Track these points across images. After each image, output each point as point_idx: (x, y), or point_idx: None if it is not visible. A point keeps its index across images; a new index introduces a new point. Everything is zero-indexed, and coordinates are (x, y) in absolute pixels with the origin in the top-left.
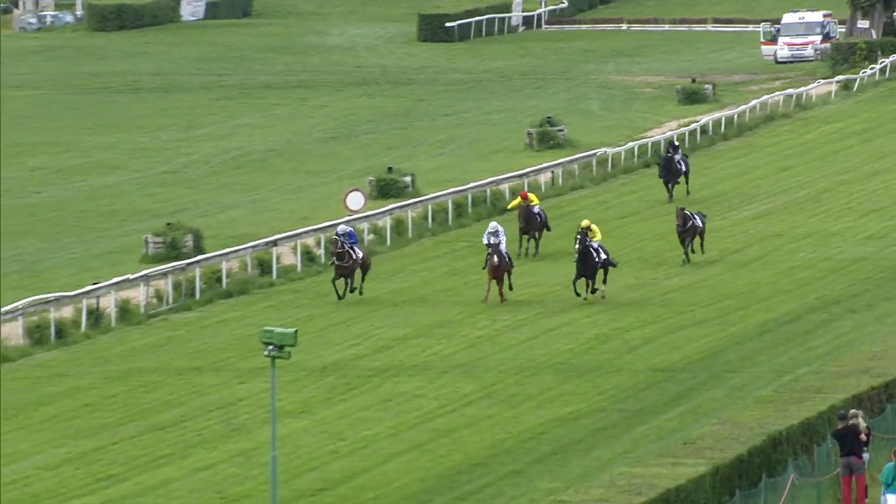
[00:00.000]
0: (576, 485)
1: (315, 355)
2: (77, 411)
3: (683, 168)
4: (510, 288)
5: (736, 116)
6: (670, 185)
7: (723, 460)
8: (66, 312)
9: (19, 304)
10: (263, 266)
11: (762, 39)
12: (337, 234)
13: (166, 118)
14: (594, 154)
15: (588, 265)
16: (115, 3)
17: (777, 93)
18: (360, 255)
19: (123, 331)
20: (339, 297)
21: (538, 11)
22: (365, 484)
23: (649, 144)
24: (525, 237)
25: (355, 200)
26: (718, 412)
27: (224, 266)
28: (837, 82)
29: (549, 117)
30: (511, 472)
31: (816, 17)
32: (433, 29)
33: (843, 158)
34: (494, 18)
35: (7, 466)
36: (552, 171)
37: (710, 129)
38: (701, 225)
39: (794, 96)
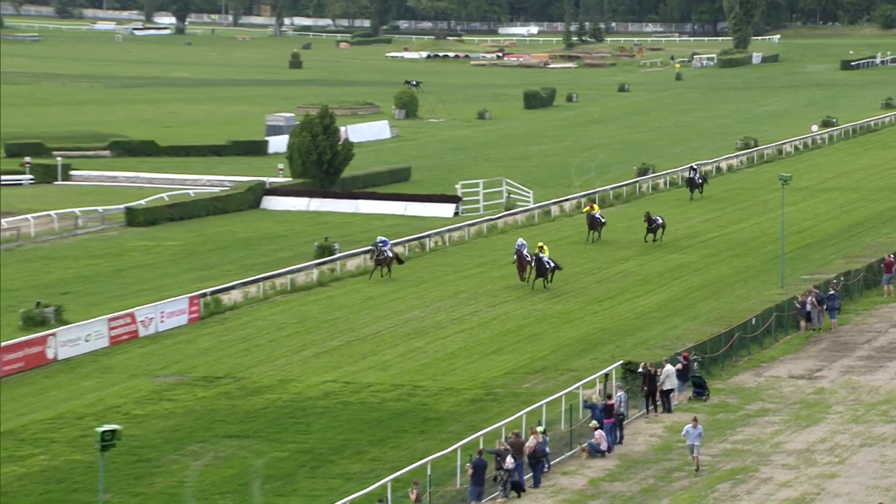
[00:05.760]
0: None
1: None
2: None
3: (700, 182)
4: (526, 280)
5: None
6: (692, 192)
7: None
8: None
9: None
10: (748, 157)
11: None
12: (375, 244)
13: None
14: None
15: (542, 269)
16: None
17: None
18: (391, 253)
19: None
20: (370, 276)
21: (886, 58)
22: (807, 231)
23: None
24: (591, 232)
25: (814, 128)
26: None
27: (722, 166)
28: None
29: (889, 97)
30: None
31: None
32: (846, 65)
33: None
34: (869, 62)
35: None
36: (891, 117)
37: None
38: (661, 223)
39: None
